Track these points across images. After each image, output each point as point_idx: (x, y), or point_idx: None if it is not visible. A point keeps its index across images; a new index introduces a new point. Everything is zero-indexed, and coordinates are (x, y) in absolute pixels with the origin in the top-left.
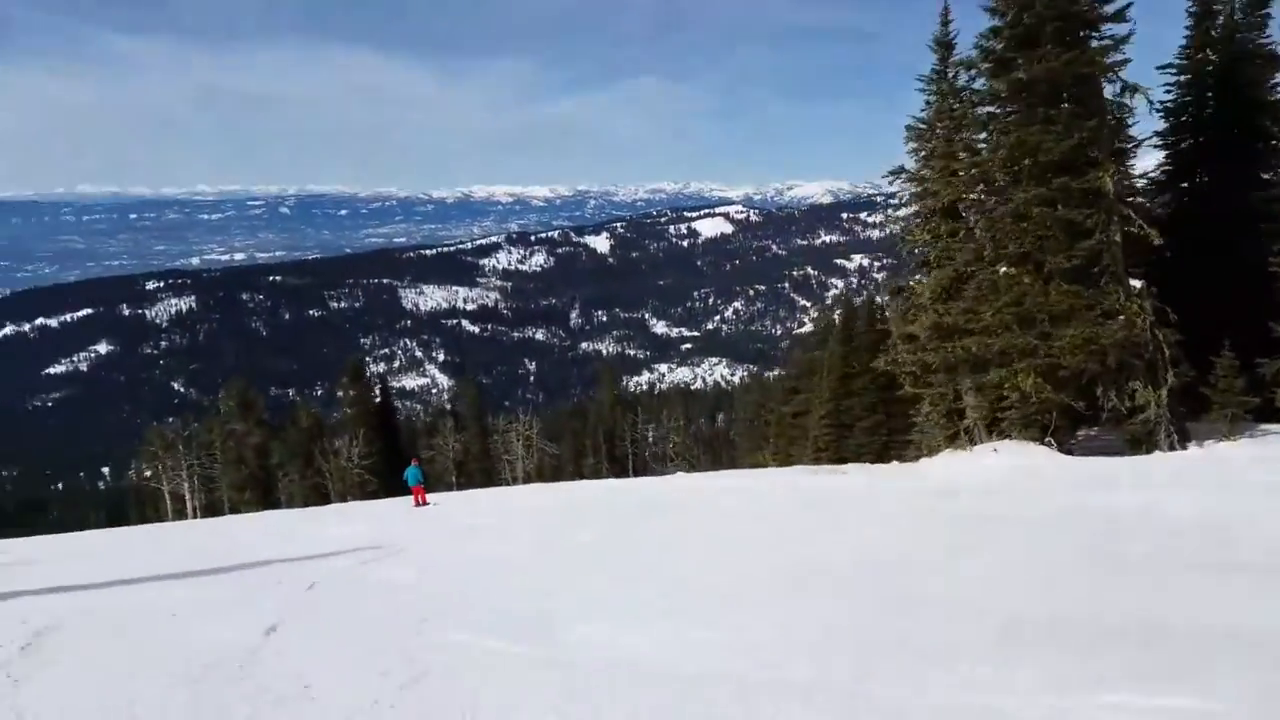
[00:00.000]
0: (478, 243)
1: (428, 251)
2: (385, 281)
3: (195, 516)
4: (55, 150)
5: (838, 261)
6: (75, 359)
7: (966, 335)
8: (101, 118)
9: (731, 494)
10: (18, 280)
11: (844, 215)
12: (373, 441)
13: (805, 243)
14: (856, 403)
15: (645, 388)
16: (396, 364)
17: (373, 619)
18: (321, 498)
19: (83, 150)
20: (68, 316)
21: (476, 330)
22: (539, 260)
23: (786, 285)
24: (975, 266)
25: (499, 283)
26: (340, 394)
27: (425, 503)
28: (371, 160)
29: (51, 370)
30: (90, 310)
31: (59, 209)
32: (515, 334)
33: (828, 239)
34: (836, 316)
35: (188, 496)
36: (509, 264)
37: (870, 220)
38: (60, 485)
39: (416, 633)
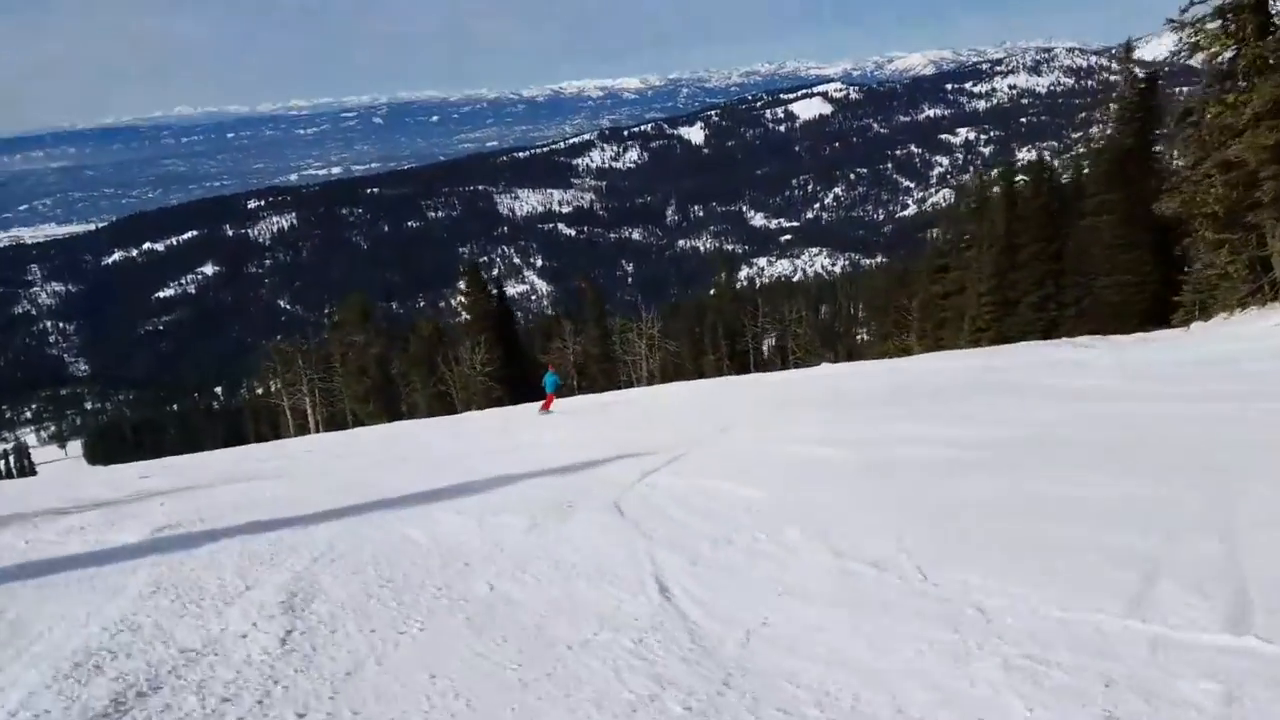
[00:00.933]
0: (570, 142)
1: (520, 154)
2: (480, 188)
3: (318, 430)
4: (151, 74)
5: (943, 137)
6: (183, 281)
7: None
8: (194, 38)
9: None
10: (123, 206)
11: (948, 86)
12: (494, 347)
13: (908, 119)
14: (1023, 276)
15: (745, 283)
16: (495, 271)
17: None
18: (447, 406)
19: (178, 72)
20: (173, 240)
21: (573, 233)
22: (632, 156)
23: (889, 166)
24: None
25: (593, 182)
26: (459, 299)
27: (549, 410)
28: (460, 62)
29: (161, 294)
30: (195, 232)
31: (159, 133)
32: (612, 235)
33: (931, 113)
34: (995, 187)
35: (309, 411)
36: (602, 162)
37: (976, 90)
38: (175, 406)
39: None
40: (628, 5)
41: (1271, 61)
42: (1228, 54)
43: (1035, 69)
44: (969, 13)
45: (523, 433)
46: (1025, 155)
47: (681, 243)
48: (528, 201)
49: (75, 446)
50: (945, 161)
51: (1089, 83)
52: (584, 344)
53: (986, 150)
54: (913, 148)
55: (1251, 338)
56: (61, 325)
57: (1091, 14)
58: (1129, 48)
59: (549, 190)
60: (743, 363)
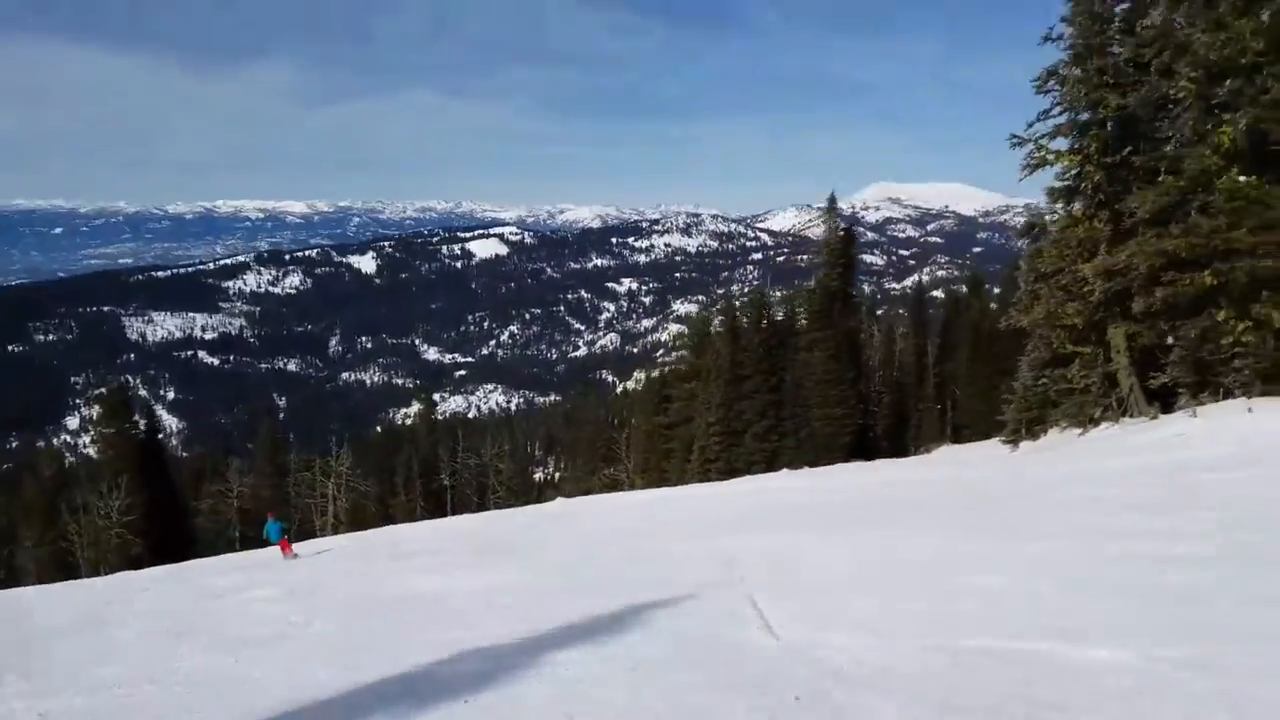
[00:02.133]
0: (221, 262)
1: (160, 273)
2: (106, 309)
3: None
4: None
5: (609, 285)
6: None
7: (1190, 266)
8: None
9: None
10: None
11: (613, 240)
12: (138, 491)
13: (578, 266)
14: (748, 406)
15: (412, 419)
16: (95, 412)
17: None
18: (65, 570)
19: None
20: None
21: (216, 362)
22: (293, 281)
23: (562, 309)
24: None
25: (245, 307)
26: (91, 432)
27: (292, 553)
28: (97, 171)
29: None
30: None
31: None
32: (264, 365)
33: (599, 262)
34: (716, 320)
35: None
36: (258, 286)
37: (637, 244)
38: None
39: None
40: (294, 123)
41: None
42: (1073, 171)
43: (686, 230)
44: (629, 175)
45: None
46: (681, 306)
47: (346, 375)
48: (164, 326)
49: None
50: (612, 307)
51: (730, 246)
52: (254, 485)
53: (648, 300)
54: (583, 292)
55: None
56: None
57: (730, 188)
58: (831, 203)
59: (191, 314)
60: (439, 502)
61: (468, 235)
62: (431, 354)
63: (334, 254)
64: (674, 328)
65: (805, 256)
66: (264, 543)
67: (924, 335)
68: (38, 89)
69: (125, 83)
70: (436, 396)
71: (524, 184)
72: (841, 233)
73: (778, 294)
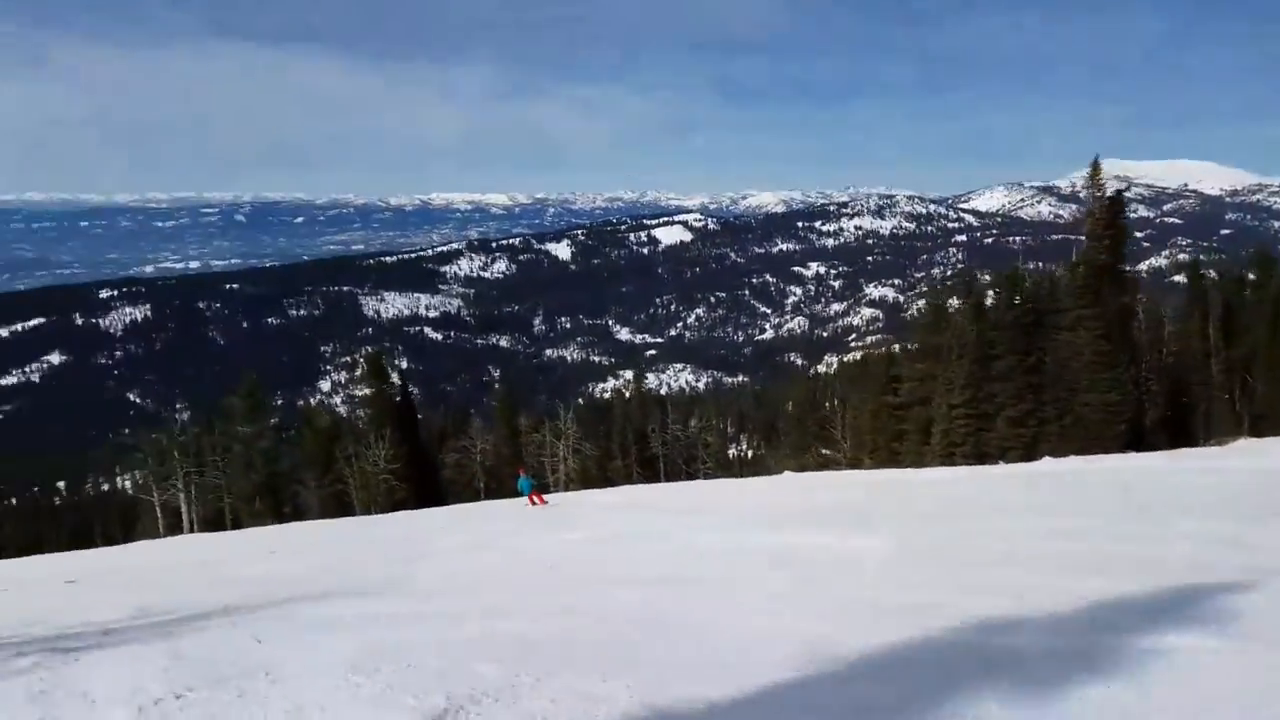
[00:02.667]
0: (438, 249)
1: (388, 258)
2: (345, 289)
3: (193, 530)
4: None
5: (795, 269)
6: (27, 370)
7: None
8: (52, 123)
9: None
10: None
11: (799, 224)
12: (400, 444)
13: (762, 250)
14: (1000, 389)
15: (609, 394)
16: (359, 372)
17: None
18: (342, 508)
19: (32, 157)
20: (18, 326)
21: (439, 337)
22: (501, 267)
23: (747, 292)
24: None
25: (461, 289)
26: (356, 390)
27: (545, 503)
28: (328, 167)
29: (2, 382)
30: (42, 319)
31: (8, 217)
32: (479, 340)
33: (784, 247)
34: (954, 298)
35: (184, 508)
36: (471, 270)
37: (824, 228)
38: (13, 501)
39: None
40: (496, 125)
41: None
42: None
43: (879, 212)
44: (814, 159)
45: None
46: (874, 290)
47: (549, 351)
48: (394, 304)
49: None
50: (799, 291)
51: (928, 227)
52: (495, 443)
53: (837, 284)
54: (768, 277)
55: None
56: None
57: (927, 168)
58: (1094, 169)
59: (416, 294)
60: (653, 469)
61: (653, 223)
62: (624, 334)
63: (534, 242)
64: (867, 311)
65: (1018, 238)
66: (515, 493)
67: (1205, 316)
68: (270, 98)
69: (347, 87)
70: (628, 374)
71: (706, 172)
72: (1109, 199)
73: (986, 277)
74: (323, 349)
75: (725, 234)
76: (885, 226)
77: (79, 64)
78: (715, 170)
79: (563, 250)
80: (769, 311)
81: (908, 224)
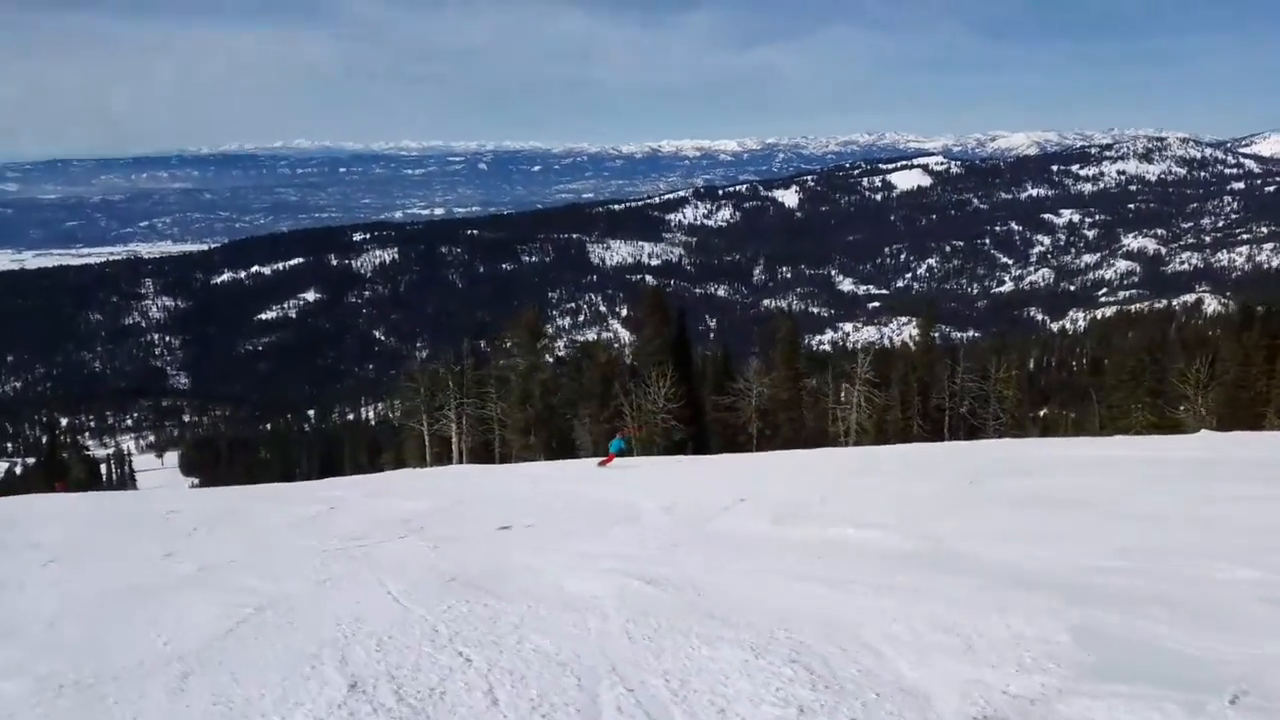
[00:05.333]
0: (664, 197)
1: (616, 206)
2: (574, 236)
3: (462, 461)
4: (273, 106)
5: (1045, 217)
6: (285, 305)
7: None
8: (316, 75)
9: None
10: (236, 230)
11: (1053, 167)
12: (679, 382)
13: (1010, 196)
14: None
15: (827, 347)
16: (581, 318)
17: None
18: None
19: (299, 106)
20: (280, 265)
21: (660, 286)
22: (725, 215)
23: (987, 241)
24: None
25: (684, 238)
26: (580, 336)
27: (612, 464)
28: (564, 116)
29: (263, 316)
30: (300, 260)
31: (276, 162)
32: (698, 290)
33: (1035, 192)
34: None
35: (455, 439)
36: (695, 219)
37: (1082, 173)
38: (269, 426)
39: None
40: (730, 68)
41: None
42: None
43: (1147, 156)
44: (1074, 98)
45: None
46: (1133, 241)
47: (766, 302)
48: (619, 252)
49: (171, 458)
50: (1047, 241)
51: (1202, 174)
52: (773, 386)
53: (1090, 234)
54: (1013, 225)
55: None
56: (168, 339)
57: (1203, 109)
58: None
59: (640, 243)
60: (937, 425)
61: (889, 167)
62: (846, 285)
63: (761, 189)
64: (1122, 264)
65: None
66: (624, 454)
67: None
68: (512, 49)
69: (584, 36)
70: (849, 327)
71: (952, 112)
72: None
73: (1265, 229)
74: (550, 294)
75: (969, 178)
76: (1152, 171)
77: (348, 17)
78: (962, 110)
79: (790, 197)
80: (1010, 262)
81: (1178, 169)
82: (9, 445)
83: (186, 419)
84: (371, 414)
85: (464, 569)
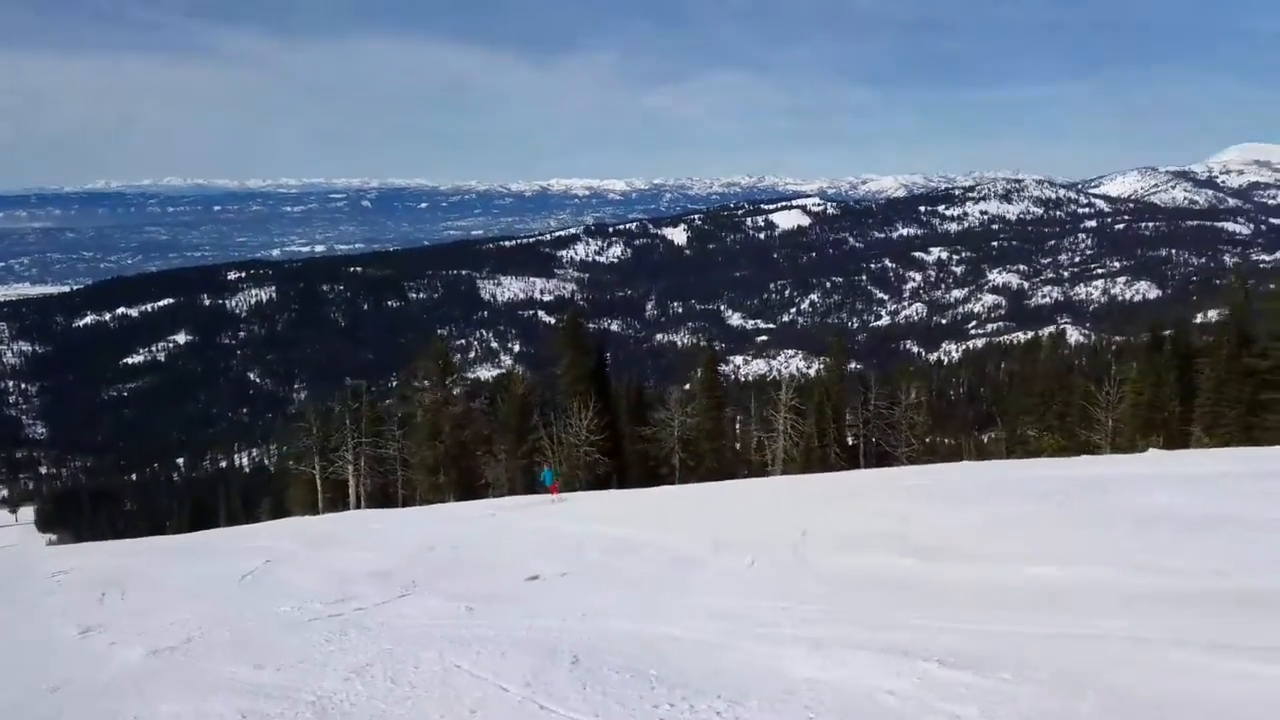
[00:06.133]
0: (556, 234)
1: (506, 243)
2: (463, 273)
3: (360, 505)
4: (141, 142)
5: (916, 254)
6: (154, 349)
7: None
8: (188, 110)
9: None
10: (101, 271)
11: (921, 208)
12: (602, 413)
13: (883, 235)
14: None
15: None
16: (472, 354)
17: None
18: (532, 484)
19: (169, 143)
20: (148, 306)
21: (553, 321)
22: (616, 251)
23: (864, 278)
24: None
25: (576, 274)
26: (470, 373)
27: (559, 496)
28: (452, 154)
29: (129, 360)
30: (171, 300)
31: (145, 200)
32: (591, 325)
33: (905, 231)
34: None
35: (352, 481)
36: (587, 255)
37: (948, 213)
38: (134, 476)
39: None
40: (619, 110)
41: None
42: None
43: (1006, 197)
44: (937, 144)
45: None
46: (998, 276)
47: (659, 336)
48: (510, 288)
49: (27, 513)
50: (918, 277)
51: (1057, 213)
52: (697, 416)
53: (959, 269)
54: (887, 262)
55: None
56: (24, 386)
57: (1055, 152)
58: None
59: (532, 279)
60: (851, 453)
61: (771, 207)
62: (735, 319)
63: (650, 226)
64: (989, 298)
65: (1150, 224)
66: (542, 488)
67: None
68: (400, 87)
69: (473, 76)
70: (739, 359)
71: (826, 157)
72: None
73: (1117, 264)
74: (440, 330)
75: (844, 218)
76: (1012, 211)
77: (222, 54)
78: (836, 154)
79: (678, 235)
80: (886, 298)
81: (1035, 209)
82: None
83: (43, 470)
84: (246, 460)
85: (562, 639)
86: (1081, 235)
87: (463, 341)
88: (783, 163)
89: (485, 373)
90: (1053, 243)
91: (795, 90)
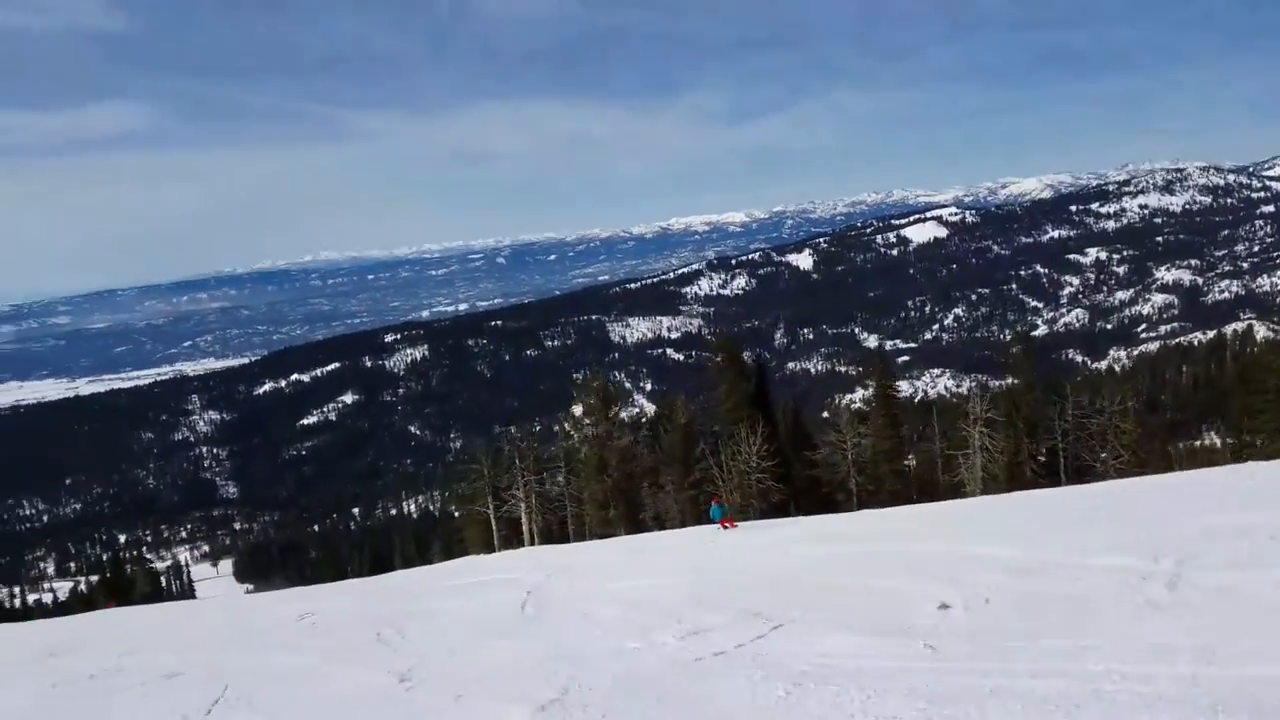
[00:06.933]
0: (679, 272)
1: (631, 285)
2: (593, 317)
3: (534, 542)
4: (301, 223)
5: (1070, 257)
6: (325, 409)
7: None
8: (339, 189)
9: None
10: (274, 342)
11: (1071, 207)
12: (770, 439)
13: (1030, 240)
14: None
15: (859, 404)
16: (592, 400)
17: None
18: (702, 513)
19: (324, 220)
20: (317, 371)
21: (681, 358)
22: (740, 283)
23: (1013, 286)
24: None
25: (701, 309)
26: (586, 421)
27: (734, 527)
28: (575, 205)
29: (305, 421)
30: (336, 364)
31: (308, 275)
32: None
33: (1056, 234)
34: None
35: (525, 519)
36: (711, 290)
37: (1102, 210)
38: (316, 527)
39: None
40: (731, 143)
41: None
42: None
43: (1168, 188)
44: (1085, 137)
45: None
46: (1166, 274)
47: (791, 364)
48: (637, 329)
49: (226, 565)
50: (1076, 281)
51: (1228, 200)
52: (871, 436)
53: (1120, 270)
54: (1038, 268)
55: None
56: (215, 451)
57: (1218, 136)
58: None
59: (658, 318)
60: (1050, 468)
61: (902, 222)
62: (871, 341)
63: (773, 255)
64: (1159, 298)
65: None
66: (709, 520)
67: None
68: (522, 148)
69: (588, 130)
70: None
71: (959, 164)
72: None
73: None
74: (575, 375)
75: (985, 225)
76: (1175, 203)
77: (365, 134)
78: (969, 160)
79: (804, 260)
80: (1041, 305)
81: (1202, 198)
82: (72, 565)
83: (237, 526)
84: (413, 507)
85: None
86: (1259, 222)
87: (579, 390)
88: (911, 176)
89: (623, 413)
90: (1226, 233)
91: (916, 101)
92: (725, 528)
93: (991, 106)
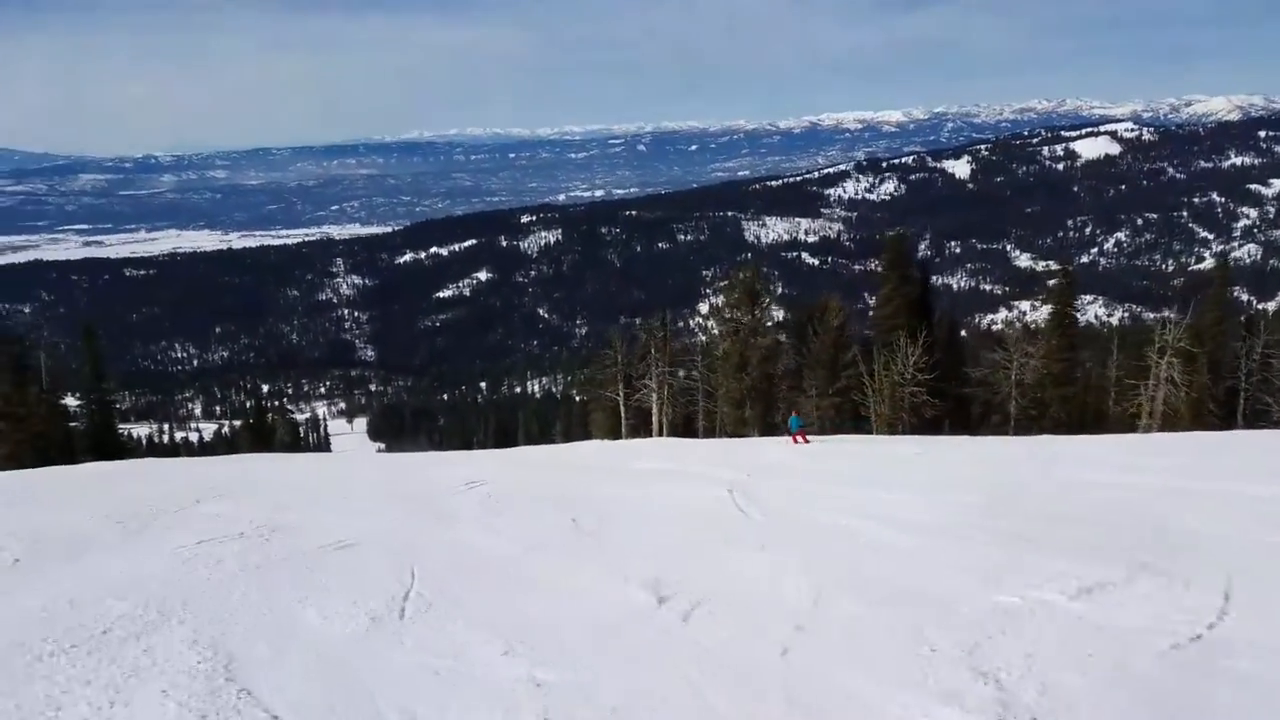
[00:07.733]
0: (823, 172)
1: (773, 183)
2: (729, 214)
3: (663, 434)
4: (448, 96)
5: (1252, 187)
6: (460, 284)
7: None
8: (485, 65)
9: None
10: (417, 214)
11: (1260, 133)
12: (932, 349)
13: (1210, 165)
14: None
15: (1000, 325)
16: (735, 295)
17: None
18: (855, 422)
19: (472, 96)
20: (455, 246)
21: (815, 262)
22: (888, 188)
23: (1185, 214)
24: None
25: (843, 213)
26: (728, 313)
27: (805, 441)
28: (721, 93)
29: (440, 294)
30: (473, 241)
31: (452, 149)
32: (856, 267)
33: (1239, 161)
34: None
35: (655, 410)
36: (856, 193)
37: None
38: (445, 396)
39: None
40: (891, 36)
41: None
42: None
43: None
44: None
45: None
46: None
47: (932, 279)
48: (774, 229)
49: (360, 424)
50: (1253, 214)
51: None
52: (1042, 358)
53: None
54: (1214, 196)
55: None
56: (356, 314)
57: None
58: None
59: (797, 219)
60: (1228, 409)
61: (1072, 134)
62: (1023, 260)
63: (928, 160)
64: None
65: None
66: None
67: None
68: (671, 29)
69: (742, 10)
70: (1026, 305)
71: (1141, 76)
72: None
73: None
74: (704, 273)
75: (1163, 145)
76: None
77: (515, 13)
78: (1151, 73)
79: (960, 168)
80: (1212, 237)
81: None
82: (217, 408)
83: (373, 388)
84: (536, 387)
85: None
86: None
87: (725, 282)
88: (1088, 85)
89: (746, 315)
90: None
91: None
92: (797, 441)
93: (1186, 12)
